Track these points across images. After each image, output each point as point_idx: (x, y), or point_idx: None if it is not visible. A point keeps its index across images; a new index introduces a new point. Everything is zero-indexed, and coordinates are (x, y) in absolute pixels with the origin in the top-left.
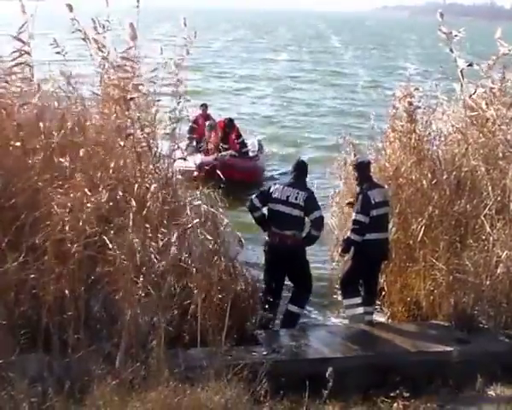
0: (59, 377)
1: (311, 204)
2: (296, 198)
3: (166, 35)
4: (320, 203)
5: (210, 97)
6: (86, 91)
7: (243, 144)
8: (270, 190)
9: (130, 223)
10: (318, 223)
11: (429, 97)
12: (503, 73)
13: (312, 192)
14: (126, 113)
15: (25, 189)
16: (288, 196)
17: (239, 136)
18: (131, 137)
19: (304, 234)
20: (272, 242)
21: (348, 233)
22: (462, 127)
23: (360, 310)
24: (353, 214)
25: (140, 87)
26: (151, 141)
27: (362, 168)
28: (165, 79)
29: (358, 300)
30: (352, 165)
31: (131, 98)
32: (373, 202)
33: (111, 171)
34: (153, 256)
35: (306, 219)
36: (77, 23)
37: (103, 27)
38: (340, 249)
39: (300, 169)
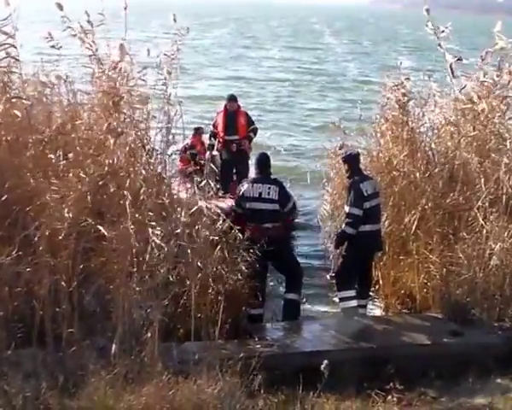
0: (53, 371)
1: (285, 196)
2: (269, 193)
3: (157, 32)
4: (313, 194)
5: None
6: (77, 86)
7: (255, 130)
8: (241, 192)
9: (128, 215)
10: (294, 210)
11: (421, 89)
12: (498, 67)
13: (282, 183)
14: (115, 115)
15: (17, 185)
16: (260, 193)
17: (250, 122)
18: (123, 135)
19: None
20: (253, 236)
21: (342, 226)
22: (454, 120)
23: (354, 303)
24: (346, 208)
25: (130, 87)
26: (145, 137)
27: (351, 161)
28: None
29: (353, 292)
30: (341, 158)
31: (120, 98)
32: (366, 194)
33: (106, 168)
34: (147, 248)
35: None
36: (67, 20)
37: (91, 24)
38: (333, 243)
39: (263, 163)
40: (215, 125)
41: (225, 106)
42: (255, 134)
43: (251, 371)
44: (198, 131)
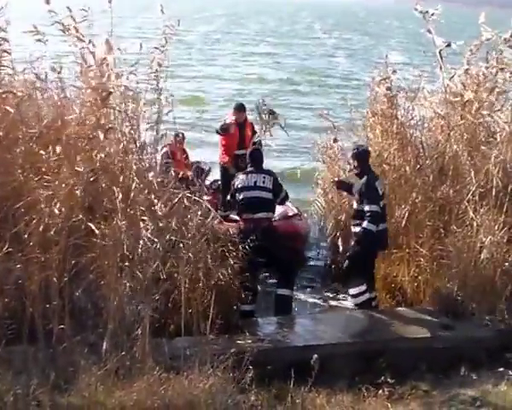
0: (44, 368)
1: (278, 186)
2: (264, 182)
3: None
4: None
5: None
6: (67, 81)
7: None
8: (234, 185)
9: (119, 211)
10: (285, 201)
11: (411, 82)
12: (486, 59)
13: (275, 174)
14: (104, 110)
15: (7, 180)
16: (255, 182)
17: (254, 133)
18: (111, 130)
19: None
20: (246, 228)
21: (364, 224)
22: (444, 113)
23: (367, 296)
24: (366, 206)
25: (119, 80)
26: (136, 132)
27: (363, 157)
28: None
29: (364, 287)
30: (351, 155)
31: (109, 93)
32: (380, 192)
33: (97, 164)
34: (138, 244)
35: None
36: (55, 14)
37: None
38: (356, 242)
39: (256, 158)
40: (226, 131)
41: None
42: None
43: (242, 366)
44: (178, 139)
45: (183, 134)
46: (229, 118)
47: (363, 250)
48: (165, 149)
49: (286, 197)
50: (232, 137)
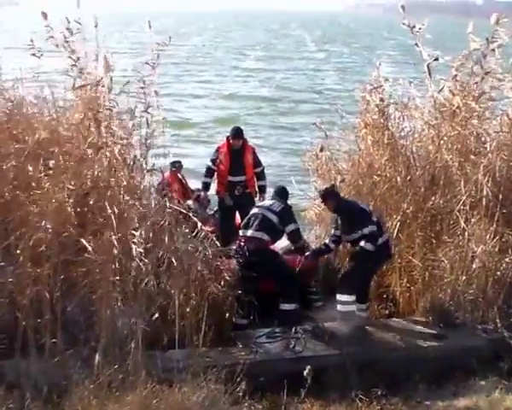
0: (36, 382)
1: (287, 215)
2: (271, 204)
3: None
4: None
5: None
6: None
7: (263, 175)
8: None
9: (110, 226)
10: (296, 236)
11: (401, 93)
12: (472, 68)
13: (289, 206)
14: (96, 129)
15: None
16: (264, 203)
17: (258, 161)
18: (103, 149)
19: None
20: (238, 244)
21: (363, 245)
22: (434, 123)
23: (354, 307)
24: (365, 230)
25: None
26: (126, 152)
27: (333, 194)
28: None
29: (354, 297)
30: (320, 197)
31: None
32: (367, 210)
33: (88, 182)
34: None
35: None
36: (51, 30)
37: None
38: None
39: (279, 193)
40: (215, 163)
41: (228, 140)
42: (264, 177)
43: (235, 378)
44: (175, 167)
45: (179, 162)
46: (221, 148)
47: (372, 266)
48: (159, 180)
49: (296, 232)
50: (222, 166)
